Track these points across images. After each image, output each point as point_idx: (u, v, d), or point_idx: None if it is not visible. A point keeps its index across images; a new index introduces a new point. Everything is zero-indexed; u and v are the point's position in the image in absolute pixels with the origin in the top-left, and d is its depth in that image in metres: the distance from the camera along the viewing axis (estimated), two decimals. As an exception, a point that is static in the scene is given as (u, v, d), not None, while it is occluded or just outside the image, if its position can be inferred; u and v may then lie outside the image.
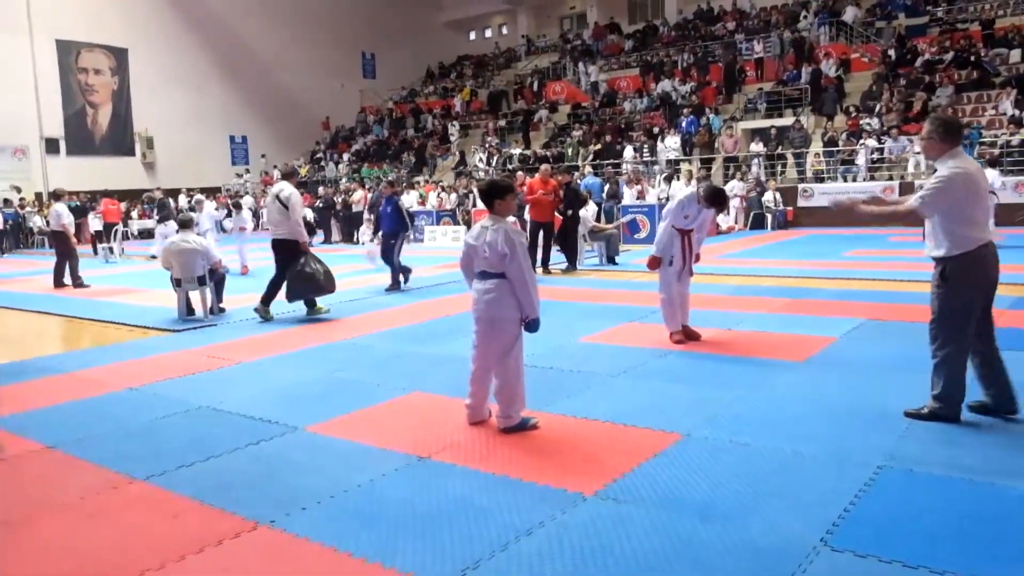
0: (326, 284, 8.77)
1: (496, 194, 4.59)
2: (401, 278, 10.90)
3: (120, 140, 28.51)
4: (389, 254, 10.86)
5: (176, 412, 5.30)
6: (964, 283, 4.31)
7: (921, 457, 3.99)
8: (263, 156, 32.66)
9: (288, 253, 8.78)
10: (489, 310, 4.51)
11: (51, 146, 26.56)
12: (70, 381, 6.33)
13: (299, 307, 9.09)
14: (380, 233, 11.45)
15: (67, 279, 12.52)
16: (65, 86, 26.92)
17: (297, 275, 8.65)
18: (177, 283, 8.93)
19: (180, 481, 4.04)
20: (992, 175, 13.25)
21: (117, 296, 11.38)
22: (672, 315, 6.85)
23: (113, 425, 5.06)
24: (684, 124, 22.47)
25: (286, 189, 8.89)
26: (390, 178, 10.57)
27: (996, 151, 17.83)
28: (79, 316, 9.73)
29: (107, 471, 4.22)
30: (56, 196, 13.36)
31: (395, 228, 10.86)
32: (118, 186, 26.79)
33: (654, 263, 6.83)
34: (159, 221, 17.86)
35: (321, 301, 9.08)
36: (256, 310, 8.84)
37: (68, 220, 12.78)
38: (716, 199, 6.79)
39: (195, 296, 9.08)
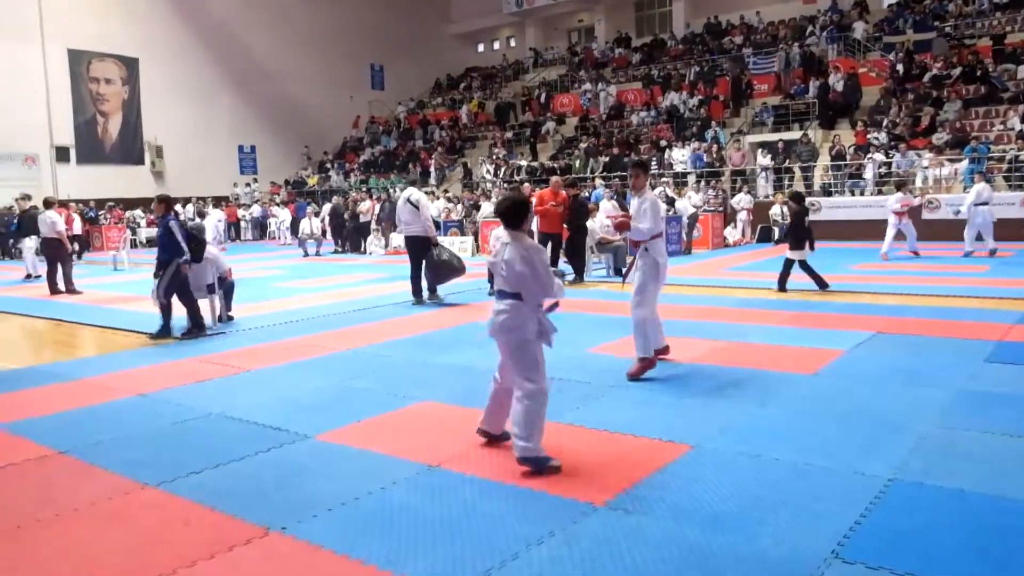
0: (460, 267, 10.27)
1: (523, 213, 4.37)
2: (191, 324, 8.51)
3: (130, 149, 28.65)
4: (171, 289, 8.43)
5: (187, 419, 5.32)
6: None
7: (932, 470, 3.98)
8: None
9: (418, 247, 10.27)
10: (503, 333, 4.26)
11: (61, 154, 26.68)
12: (81, 387, 6.36)
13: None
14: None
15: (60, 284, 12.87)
16: (76, 95, 27.09)
17: (437, 264, 10.10)
18: (187, 291, 8.95)
19: (191, 487, 4.05)
20: (989, 190, 13.37)
21: (125, 303, 11.42)
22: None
23: (124, 431, 5.08)
24: (690, 159, 22.29)
25: (415, 194, 10.53)
26: (160, 194, 8.54)
27: (1004, 166, 17.81)
28: (88, 323, 9.77)
29: (119, 477, 4.24)
30: (47, 204, 13.73)
31: (167, 256, 8.36)
32: (127, 194, 26.96)
33: None
34: (23, 235, 15.96)
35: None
36: (428, 299, 10.35)
37: (62, 227, 13.30)
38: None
39: (204, 304, 9.11)
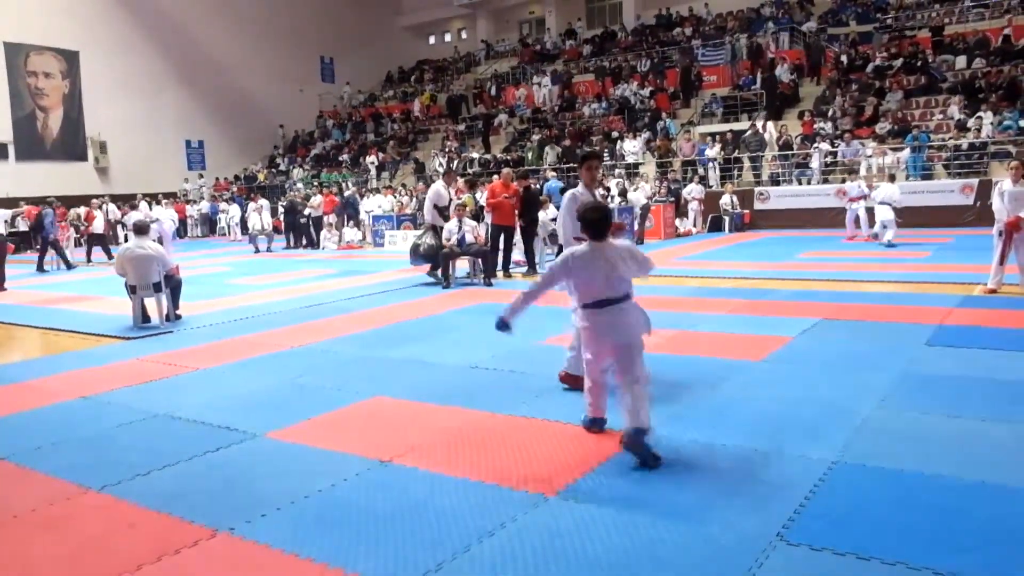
0: (427, 257, 11.57)
1: (610, 223, 4.32)
2: None
3: (72, 145, 27.84)
4: None
5: (132, 420, 5.20)
6: None
7: (873, 452, 4.09)
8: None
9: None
10: (633, 336, 4.30)
11: (-1, 151, 25.89)
12: (22, 390, 6.18)
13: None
14: None
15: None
16: (14, 89, 26.23)
17: (415, 248, 11.77)
18: (132, 290, 8.77)
19: (136, 490, 3.97)
20: (892, 190, 13.93)
21: (70, 303, 11.12)
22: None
23: (67, 435, 4.95)
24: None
25: (432, 187, 12.26)
26: None
27: (944, 154, 18.31)
28: (30, 324, 9.50)
29: (61, 482, 4.13)
30: None
31: None
32: (70, 192, 26.20)
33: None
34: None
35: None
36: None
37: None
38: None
39: (151, 303, 8.93)
